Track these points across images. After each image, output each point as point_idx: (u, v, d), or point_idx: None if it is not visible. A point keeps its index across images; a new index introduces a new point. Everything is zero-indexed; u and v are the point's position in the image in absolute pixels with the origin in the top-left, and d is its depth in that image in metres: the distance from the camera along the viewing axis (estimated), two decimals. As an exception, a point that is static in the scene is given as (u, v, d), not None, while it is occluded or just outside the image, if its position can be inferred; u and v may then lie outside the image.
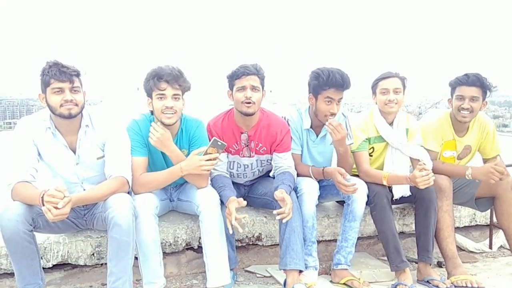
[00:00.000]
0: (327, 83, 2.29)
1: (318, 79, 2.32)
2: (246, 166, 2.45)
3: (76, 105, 1.96)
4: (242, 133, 2.36)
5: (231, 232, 2.11)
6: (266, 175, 2.62)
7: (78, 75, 1.99)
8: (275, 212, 2.14)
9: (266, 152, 2.43)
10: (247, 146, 2.39)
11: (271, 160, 2.46)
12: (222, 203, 2.20)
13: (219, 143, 2.08)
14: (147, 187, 2.14)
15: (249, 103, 2.23)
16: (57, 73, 1.90)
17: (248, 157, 2.42)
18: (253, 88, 2.25)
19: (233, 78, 2.28)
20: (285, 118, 2.47)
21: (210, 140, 2.12)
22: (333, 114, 2.34)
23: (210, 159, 2.08)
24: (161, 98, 2.12)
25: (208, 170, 2.12)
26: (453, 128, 2.64)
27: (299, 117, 2.49)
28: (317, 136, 2.51)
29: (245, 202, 2.12)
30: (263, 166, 2.49)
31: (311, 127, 2.49)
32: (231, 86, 2.31)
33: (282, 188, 2.18)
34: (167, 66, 2.13)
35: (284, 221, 2.14)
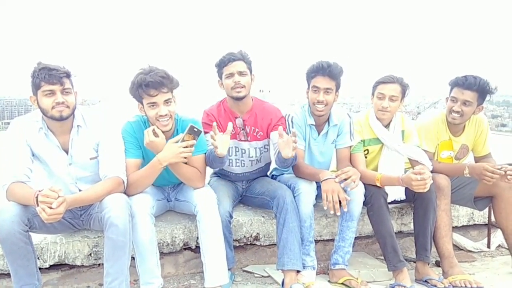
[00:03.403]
0: (313, 70, 2.39)
1: (308, 68, 2.42)
2: (243, 151, 2.45)
3: (68, 107, 1.95)
4: (236, 117, 2.40)
5: None
6: (264, 175, 2.62)
7: (68, 76, 1.96)
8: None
9: (263, 137, 2.45)
10: (243, 129, 2.41)
11: (268, 145, 2.48)
12: (218, 202, 2.18)
13: (195, 129, 2.05)
14: (135, 187, 2.10)
15: (238, 87, 2.29)
16: (47, 76, 1.88)
17: (246, 141, 2.43)
18: (240, 73, 2.31)
19: (221, 66, 2.35)
20: (289, 115, 2.48)
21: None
22: (319, 102, 2.37)
23: (188, 146, 2.04)
24: (153, 106, 2.08)
25: (186, 158, 2.08)
26: (448, 128, 2.63)
27: (303, 114, 2.50)
28: (318, 134, 2.51)
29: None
30: (261, 153, 2.49)
31: (314, 124, 2.49)
32: (220, 75, 2.38)
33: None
34: (152, 71, 2.06)
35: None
